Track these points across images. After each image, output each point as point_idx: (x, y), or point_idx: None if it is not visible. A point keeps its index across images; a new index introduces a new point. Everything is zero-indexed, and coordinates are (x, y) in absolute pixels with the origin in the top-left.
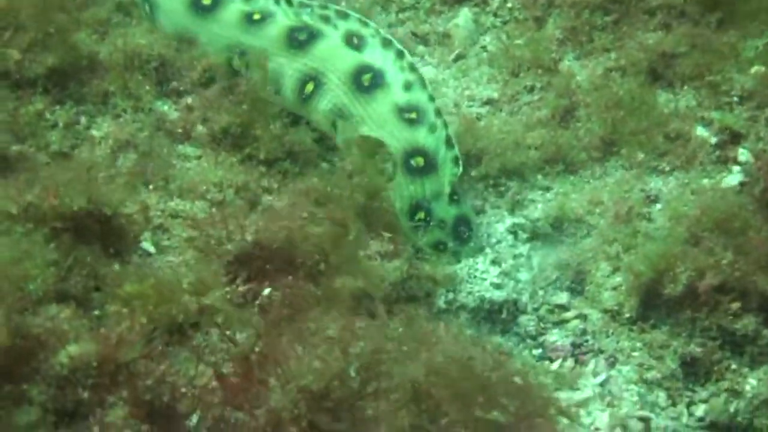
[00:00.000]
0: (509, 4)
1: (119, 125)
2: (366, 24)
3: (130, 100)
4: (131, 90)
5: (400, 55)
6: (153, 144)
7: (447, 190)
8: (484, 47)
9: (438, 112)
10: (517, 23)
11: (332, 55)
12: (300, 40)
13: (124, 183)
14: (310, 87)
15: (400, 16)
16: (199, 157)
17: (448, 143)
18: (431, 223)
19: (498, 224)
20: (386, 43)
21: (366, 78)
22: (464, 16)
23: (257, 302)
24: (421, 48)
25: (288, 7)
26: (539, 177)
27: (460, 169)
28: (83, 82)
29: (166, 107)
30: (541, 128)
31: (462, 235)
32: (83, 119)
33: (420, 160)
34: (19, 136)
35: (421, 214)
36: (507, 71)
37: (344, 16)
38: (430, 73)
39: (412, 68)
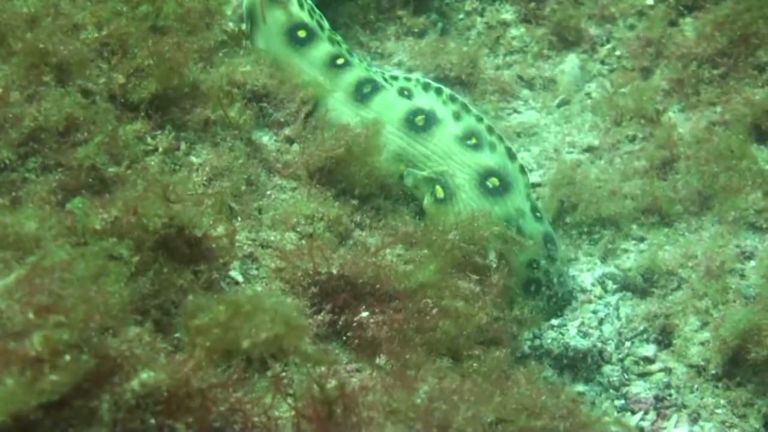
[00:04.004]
0: (618, 52)
1: (218, 153)
2: (408, 79)
3: (230, 129)
4: (231, 119)
5: (439, 92)
6: (249, 173)
7: (527, 205)
8: (588, 94)
9: (490, 129)
10: (624, 72)
11: (385, 107)
12: (364, 93)
13: (211, 204)
14: None
15: (508, 59)
16: (293, 189)
17: (510, 155)
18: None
19: (587, 273)
20: (426, 86)
21: (419, 119)
22: (571, 62)
23: (354, 322)
24: (525, 92)
25: (360, 61)
26: (634, 227)
27: (529, 176)
28: (185, 109)
29: (266, 138)
30: (638, 178)
31: (551, 252)
32: (183, 145)
33: (495, 181)
34: (117, 159)
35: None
36: (610, 119)
37: (394, 77)
38: (533, 117)
39: (453, 99)
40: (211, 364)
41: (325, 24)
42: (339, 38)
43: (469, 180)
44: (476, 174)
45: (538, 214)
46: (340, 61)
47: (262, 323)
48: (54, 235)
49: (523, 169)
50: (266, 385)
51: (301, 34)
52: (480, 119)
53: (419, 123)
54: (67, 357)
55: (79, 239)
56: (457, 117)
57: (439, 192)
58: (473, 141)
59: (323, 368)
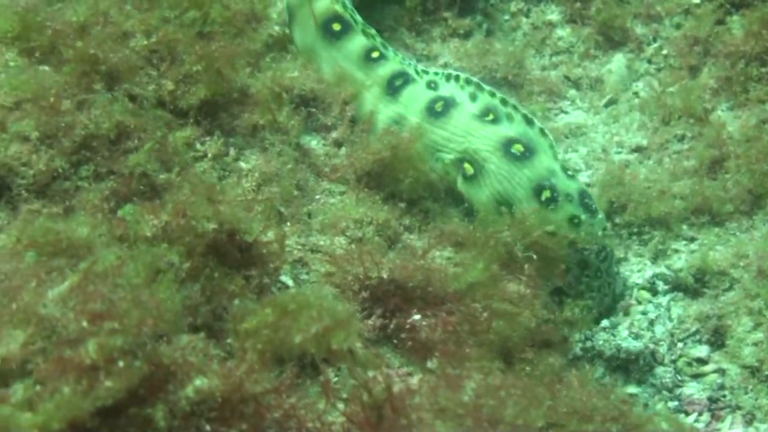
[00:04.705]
0: (665, 51)
1: (266, 158)
2: (437, 72)
3: (278, 134)
4: (280, 124)
5: (456, 78)
6: (298, 178)
7: (557, 164)
8: (636, 93)
9: (504, 101)
10: (671, 71)
11: (412, 99)
12: (396, 86)
13: (261, 210)
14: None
15: (554, 59)
16: (342, 193)
17: (528, 121)
18: (559, 198)
19: (638, 274)
20: (448, 77)
21: (438, 105)
22: (618, 61)
23: (407, 325)
24: (572, 92)
25: (395, 54)
26: (684, 227)
27: (550, 136)
28: (234, 114)
29: (314, 142)
30: (688, 178)
31: (590, 206)
32: (232, 151)
33: (519, 147)
34: (168, 166)
35: (547, 193)
36: (658, 119)
37: (425, 71)
38: (580, 117)
39: (469, 81)
40: (263, 368)
41: (358, 18)
42: (373, 31)
43: (493, 151)
44: (499, 145)
45: (569, 173)
46: (375, 55)
47: (310, 319)
48: (105, 243)
49: (543, 132)
50: (319, 390)
51: (336, 27)
52: (493, 94)
53: (438, 109)
54: (121, 363)
55: (131, 246)
56: (473, 98)
57: (469, 169)
58: (491, 116)
59: (374, 372)
